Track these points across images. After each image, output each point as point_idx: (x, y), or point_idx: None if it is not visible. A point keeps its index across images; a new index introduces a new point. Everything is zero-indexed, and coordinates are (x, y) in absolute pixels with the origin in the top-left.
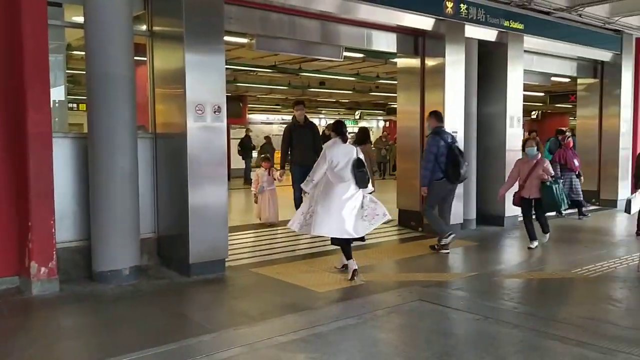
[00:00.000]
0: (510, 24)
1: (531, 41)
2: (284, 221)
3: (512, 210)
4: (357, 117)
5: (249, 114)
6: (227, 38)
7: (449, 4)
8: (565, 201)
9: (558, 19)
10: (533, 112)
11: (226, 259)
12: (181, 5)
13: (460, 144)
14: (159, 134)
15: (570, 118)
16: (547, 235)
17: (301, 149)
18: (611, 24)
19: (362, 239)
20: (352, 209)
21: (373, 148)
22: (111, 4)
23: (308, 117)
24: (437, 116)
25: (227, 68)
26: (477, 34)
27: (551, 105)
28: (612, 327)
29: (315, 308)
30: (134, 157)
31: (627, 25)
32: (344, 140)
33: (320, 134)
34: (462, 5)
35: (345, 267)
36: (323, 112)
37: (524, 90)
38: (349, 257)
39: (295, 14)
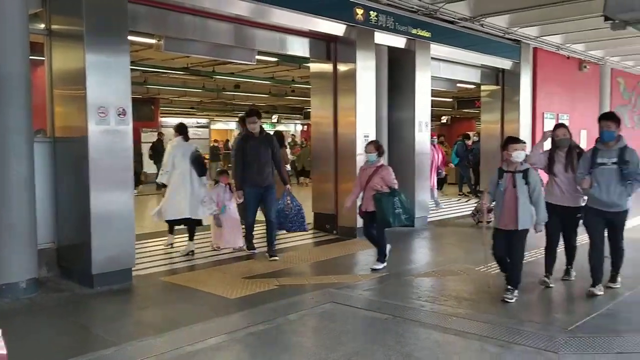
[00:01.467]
0: (417, 32)
1: (438, 49)
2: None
3: (422, 211)
4: (274, 120)
5: (161, 116)
6: (133, 38)
7: (359, 11)
8: (402, 217)
9: (462, 28)
10: (443, 117)
11: (133, 268)
12: (81, 3)
13: None
14: (58, 138)
15: (477, 123)
16: (383, 264)
17: (256, 167)
18: (510, 34)
19: (199, 222)
20: (190, 194)
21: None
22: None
23: (224, 121)
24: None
25: (135, 69)
26: (387, 40)
27: (459, 110)
28: (510, 320)
29: (227, 315)
30: (31, 162)
31: (525, 35)
32: (186, 139)
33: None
34: (372, 12)
35: (192, 252)
36: (239, 115)
37: (433, 96)
38: (191, 238)
39: (207, 16)
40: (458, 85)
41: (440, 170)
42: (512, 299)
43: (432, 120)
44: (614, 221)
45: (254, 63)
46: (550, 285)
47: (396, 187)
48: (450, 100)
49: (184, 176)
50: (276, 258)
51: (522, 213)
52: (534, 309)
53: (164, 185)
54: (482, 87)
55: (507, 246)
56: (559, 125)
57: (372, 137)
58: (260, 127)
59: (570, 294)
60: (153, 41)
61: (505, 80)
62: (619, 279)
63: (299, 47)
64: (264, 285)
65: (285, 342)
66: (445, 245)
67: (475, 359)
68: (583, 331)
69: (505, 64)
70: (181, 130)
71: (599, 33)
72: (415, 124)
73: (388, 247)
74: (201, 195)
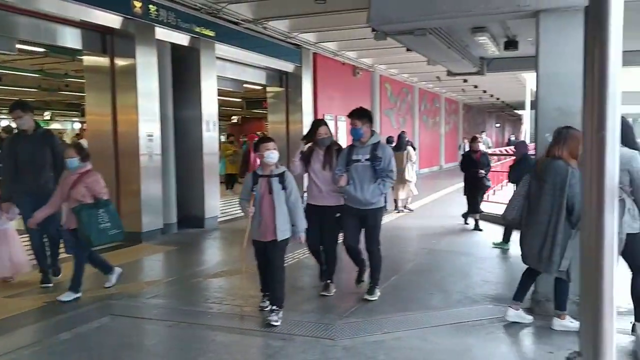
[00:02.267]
0: (201, 31)
1: (224, 49)
2: None
3: (212, 212)
4: (47, 118)
5: None
6: None
7: (137, 4)
8: (109, 232)
9: (246, 30)
10: (233, 117)
11: None
12: None
13: (157, 147)
14: None
15: (266, 123)
16: (111, 278)
17: (31, 171)
18: (291, 38)
19: None
20: None
21: None
22: None
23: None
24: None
25: None
26: (170, 37)
27: (248, 110)
28: (292, 314)
29: None
30: None
31: (305, 40)
32: None
33: None
34: (151, 6)
35: None
36: (3, 112)
37: (222, 95)
38: None
39: None
40: (245, 85)
41: None
42: (277, 321)
43: (222, 120)
44: (368, 219)
45: (15, 53)
46: (328, 294)
47: (105, 197)
48: (240, 100)
49: None
50: (49, 285)
51: (281, 222)
52: (313, 302)
53: None
54: (268, 89)
55: (266, 259)
56: (320, 123)
57: (157, 136)
58: (35, 122)
59: (345, 285)
60: None
61: (288, 83)
62: (377, 291)
63: (69, 38)
64: (30, 303)
65: None
66: (235, 245)
67: (259, 355)
68: (356, 316)
69: (288, 67)
70: None
71: (368, 42)
72: (202, 123)
73: (117, 270)
74: None
